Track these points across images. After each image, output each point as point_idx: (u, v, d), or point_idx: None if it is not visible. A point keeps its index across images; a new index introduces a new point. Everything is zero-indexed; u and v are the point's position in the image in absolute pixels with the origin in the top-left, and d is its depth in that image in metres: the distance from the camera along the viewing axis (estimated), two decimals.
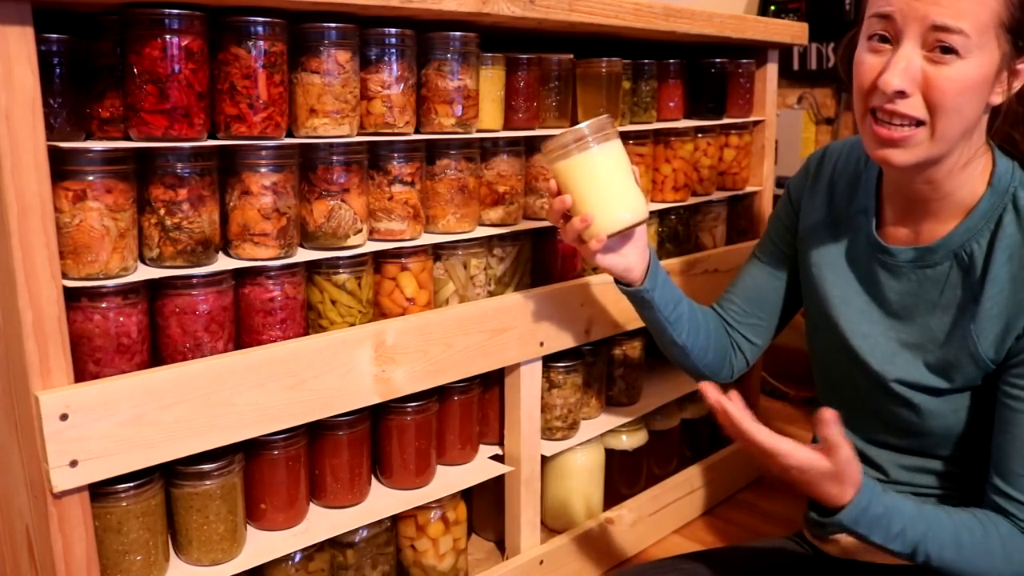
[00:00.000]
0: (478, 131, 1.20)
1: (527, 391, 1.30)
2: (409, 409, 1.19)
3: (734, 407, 0.86)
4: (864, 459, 1.02)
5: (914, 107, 0.86)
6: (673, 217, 1.57)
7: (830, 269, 1.04)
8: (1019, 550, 0.88)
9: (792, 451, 0.85)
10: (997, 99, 0.87)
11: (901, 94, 0.85)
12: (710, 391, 0.88)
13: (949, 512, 0.89)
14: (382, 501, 1.19)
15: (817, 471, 0.85)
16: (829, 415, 0.83)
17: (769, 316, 1.18)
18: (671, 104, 1.51)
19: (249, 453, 1.06)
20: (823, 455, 0.84)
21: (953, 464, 0.97)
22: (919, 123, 0.86)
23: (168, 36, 0.90)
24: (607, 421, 1.47)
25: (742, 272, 1.22)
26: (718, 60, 1.57)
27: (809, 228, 1.09)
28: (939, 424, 0.95)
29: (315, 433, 1.12)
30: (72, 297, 0.88)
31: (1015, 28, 0.83)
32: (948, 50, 0.82)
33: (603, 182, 1.02)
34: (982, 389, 0.93)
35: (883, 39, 0.87)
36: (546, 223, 1.32)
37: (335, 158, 1.06)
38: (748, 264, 1.22)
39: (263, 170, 1.00)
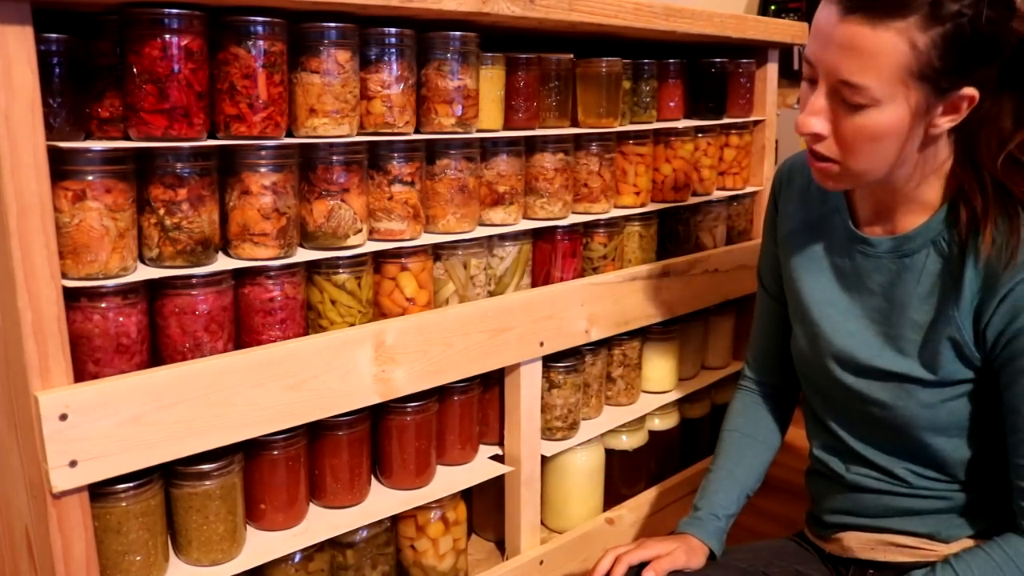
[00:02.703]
0: (478, 131, 1.19)
1: (527, 391, 1.30)
2: (409, 409, 1.18)
3: None
4: (875, 467, 1.01)
5: (826, 148, 0.89)
6: (673, 217, 1.57)
7: (810, 273, 1.04)
8: None
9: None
10: (939, 129, 0.86)
11: (816, 136, 0.88)
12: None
13: None
14: (382, 501, 1.19)
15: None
16: None
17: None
18: (671, 104, 1.51)
19: (249, 453, 1.05)
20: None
21: (962, 464, 0.97)
22: (832, 160, 0.90)
23: (168, 36, 0.90)
24: (607, 421, 1.47)
25: (757, 331, 1.20)
26: (718, 60, 1.57)
27: (786, 236, 1.09)
28: (928, 419, 0.95)
29: (315, 433, 1.12)
30: (72, 297, 0.88)
31: (927, 74, 0.82)
32: (856, 102, 0.84)
33: None
34: (974, 383, 0.93)
35: (810, 77, 0.89)
36: (546, 223, 1.32)
37: (335, 158, 1.06)
38: (759, 321, 1.20)
39: (263, 170, 1.00)
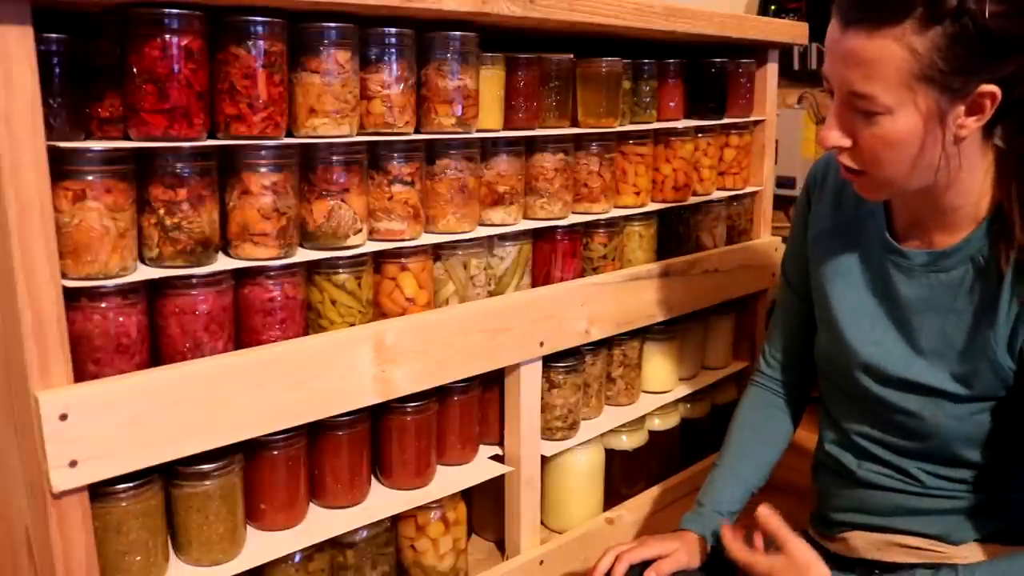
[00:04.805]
0: (478, 131, 1.19)
1: (527, 391, 1.30)
2: (409, 409, 1.18)
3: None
4: (888, 465, 1.01)
5: (851, 160, 0.89)
6: (673, 217, 1.57)
7: (839, 278, 1.03)
8: None
9: (756, 562, 0.95)
10: (966, 130, 0.85)
11: (838, 149, 0.89)
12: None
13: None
14: (382, 501, 1.19)
15: (780, 569, 0.92)
16: (765, 513, 0.94)
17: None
18: (671, 104, 1.51)
19: (249, 453, 1.05)
20: (780, 553, 0.92)
21: (981, 468, 0.96)
22: (860, 171, 0.90)
23: (168, 36, 0.90)
24: (607, 421, 1.47)
25: (777, 327, 1.19)
26: (718, 60, 1.57)
27: (816, 236, 1.07)
28: (957, 430, 0.94)
29: (315, 433, 1.12)
30: (72, 297, 0.88)
31: (933, 77, 0.81)
32: (869, 110, 0.84)
33: None
34: (1005, 399, 0.92)
35: (830, 91, 0.89)
36: (546, 223, 1.32)
37: (335, 158, 1.06)
38: (779, 317, 1.19)
39: (263, 170, 1.00)
